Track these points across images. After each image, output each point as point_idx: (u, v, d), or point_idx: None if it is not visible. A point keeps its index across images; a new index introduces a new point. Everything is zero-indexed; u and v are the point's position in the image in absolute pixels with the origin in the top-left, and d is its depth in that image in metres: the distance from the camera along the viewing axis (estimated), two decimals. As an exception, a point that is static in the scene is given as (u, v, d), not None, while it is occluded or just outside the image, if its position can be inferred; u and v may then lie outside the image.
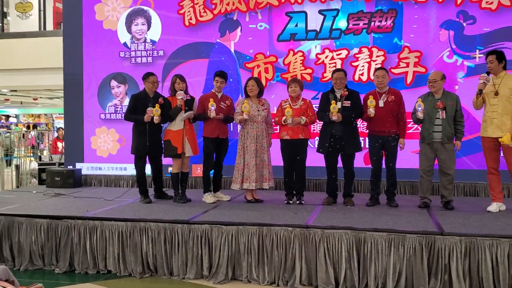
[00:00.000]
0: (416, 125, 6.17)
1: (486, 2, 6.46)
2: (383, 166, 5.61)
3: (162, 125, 5.87)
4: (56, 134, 11.96)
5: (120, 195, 6.34)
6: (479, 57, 6.48)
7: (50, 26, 12.13)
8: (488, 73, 5.12)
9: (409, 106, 5.62)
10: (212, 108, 5.60)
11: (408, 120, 5.72)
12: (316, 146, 5.81)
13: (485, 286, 4.02)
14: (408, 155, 6.21)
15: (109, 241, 4.81)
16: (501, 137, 4.97)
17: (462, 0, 6.52)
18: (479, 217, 4.85)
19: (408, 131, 5.91)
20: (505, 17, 6.43)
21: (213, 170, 5.95)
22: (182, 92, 5.65)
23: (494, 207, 5.18)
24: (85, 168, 7.84)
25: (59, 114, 16.67)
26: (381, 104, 5.46)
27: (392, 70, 6.68)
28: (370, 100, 5.39)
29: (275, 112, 5.84)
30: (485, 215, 5.00)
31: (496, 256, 4.02)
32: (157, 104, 5.60)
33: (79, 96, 7.90)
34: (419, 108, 5.26)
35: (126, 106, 6.05)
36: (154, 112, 5.56)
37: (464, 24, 6.56)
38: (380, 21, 6.82)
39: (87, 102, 7.88)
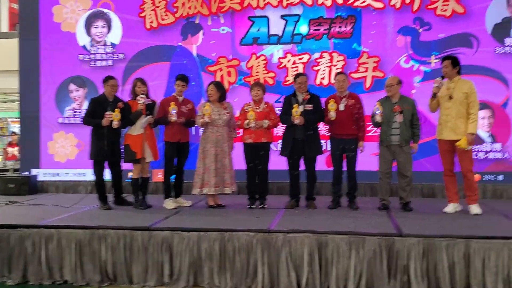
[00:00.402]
0: (375, 128, 6.26)
1: (441, 9, 6.65)
2: (344, 168, 5.68)
3: (121, 129, 5.75)
4: (10, 139, 11.56)
5: (78, 202, 6.16)
6: (434, 62, 6.66)
7: (5, 27, 11.72)
8: (442, 77, 5.27)
9: (369, 110, 5.71)
10: (173, 112, 5.53)
11: (367, 124, 5.81)
12: (279, 149, 5.83)
13: (442, 286, 4.11)
14: (368, 158, 6.30)
15: (65, 250, 4.65)
16: (458, 141, 5.09)
17: (418, 7, 6.70)
18: (436, 218, 4.97)
19: (367, 134, 6.01)
20: (459, 23, 6.64)
21: (174, 175, 5.87)
22: (143, 96, 5.56)
23: (450, 208, 5.32)
24: (42, 174, 7.60)
25: (15, 118, 16.11)
26: (341, 107, 5.54)
27: (352, 74, 6.78)
28: (331, 103, 5.46)
29: (238, 115, 5.82)
30: (442, 216, 5.13)
31: (452, 257, 4.12)
32: (116, 109, 5.49)
33: (35, 99, 7.66)
34: (378, 112, 5.36)
35: (85, 110, 5.89)
36: (113, 117, 5.45)
37: (420, 30, 6.74)
38: (340, 27, 6.93)
39: (44, 106, 7.66)
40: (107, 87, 5.71)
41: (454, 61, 5.22)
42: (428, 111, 5.57)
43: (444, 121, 5.26)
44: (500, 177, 6.59)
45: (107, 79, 5.74)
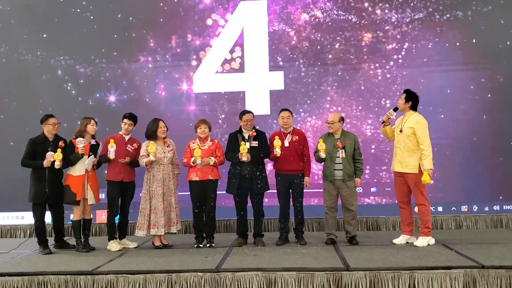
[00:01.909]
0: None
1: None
2: (291, 204, 5.73)
3: (63, 170, 5.55)
4: None
5: (16, 247, 5.84)
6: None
7: None
8: (395, 109, 5.45)
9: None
10: (111, 149, 5.42)
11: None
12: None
13: (389, 318, 4.18)
14: (314, 193, 6.40)
15: (1, 299, 4.40)
16: (406, 173, 5.25)
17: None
18: (381, 251, 5.08)
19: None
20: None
21: (118, 216, 5.71)
22: (83, 139, 5.41)
23: (399, 239, 5.44)
24: (-24, 218, 7.17)
25: None
26: (286, 144, 5.63)
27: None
28: (276, 140, 5.54)
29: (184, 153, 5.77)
30: (387, 248, 5.24)
31: (398, 288, 4.21)
32: (59, 149, 5.32)
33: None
34: (321, 148, 5.46)
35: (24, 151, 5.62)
36: (55, 157, 5.27)
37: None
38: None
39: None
40: (48, 125, 5.53)
41: (409, 96, 5.38)
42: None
43: (394, 153, 5.43)
44: (440, 208, 6.86)
45: (46, 118, 5.57)
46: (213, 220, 5.69)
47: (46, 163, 5.32)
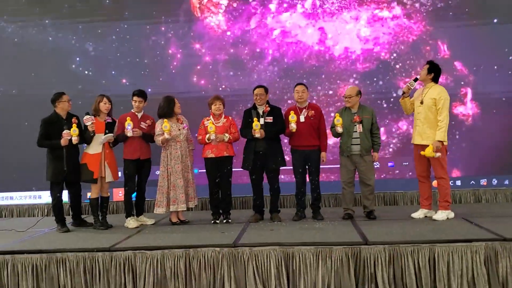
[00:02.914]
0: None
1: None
2: (307, 180, 5.67)
3: (79, 145, 5.54)
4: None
5: (33, 225, 5.88)
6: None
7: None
8: (415, 79, 5.31)
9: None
10: (128, 127, 5.38)
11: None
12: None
13: (410, 291, 4.13)
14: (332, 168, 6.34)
15: (21, 276, 4.42)
16: (425, 146, 5.08)
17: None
18: (400, 225, 5.01)
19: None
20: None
21: (135, 193, 5.72)
22: (89, 117, 5.37)
23: (418, 213, 5.37)
24: (-7, 198, 7.25)
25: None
26: (302, 119, 5.54)
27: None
28: (291, 115, 5.45)
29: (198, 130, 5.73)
30: (406, 222, 5.17)
31: (418, 262, 4.14)
32: (74, 124, 5.29)
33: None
34: (337, 122, 5.37)
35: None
36: (72, 133, 5.24)
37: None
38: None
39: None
40: (63, 103, 5.47)
41: (432, 67, 5.23)
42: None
43: (414, 126, 5.32)
44: (458, 182, 6.75)
45: (60, 95, 5.50)
46: (229, 197, 5.67)
47: (63, 142, 5.28)
